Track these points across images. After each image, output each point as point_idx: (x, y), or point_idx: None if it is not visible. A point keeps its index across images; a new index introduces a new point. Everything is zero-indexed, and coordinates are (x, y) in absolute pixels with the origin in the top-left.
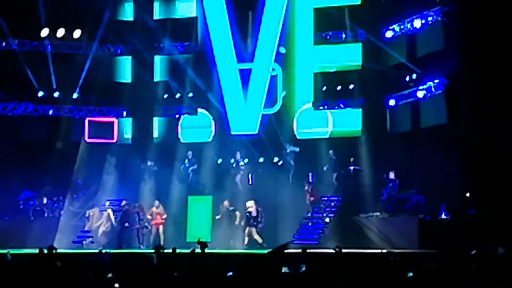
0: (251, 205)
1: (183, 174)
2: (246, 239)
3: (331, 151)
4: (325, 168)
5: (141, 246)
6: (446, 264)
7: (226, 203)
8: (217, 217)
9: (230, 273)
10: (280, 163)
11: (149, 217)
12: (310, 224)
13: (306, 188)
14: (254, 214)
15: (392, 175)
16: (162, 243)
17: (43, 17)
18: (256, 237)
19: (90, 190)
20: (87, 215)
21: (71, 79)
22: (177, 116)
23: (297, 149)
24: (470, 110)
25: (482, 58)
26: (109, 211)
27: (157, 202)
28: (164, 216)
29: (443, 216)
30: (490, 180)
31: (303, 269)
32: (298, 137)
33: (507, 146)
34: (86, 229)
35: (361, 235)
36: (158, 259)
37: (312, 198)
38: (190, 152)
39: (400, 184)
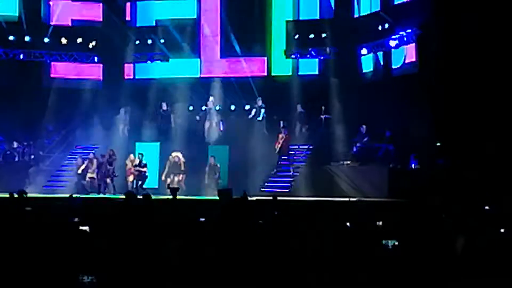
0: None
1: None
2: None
3: (299, 105)
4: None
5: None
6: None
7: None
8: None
9: (202, 219)
10: (249, 109)
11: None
12: (274, 172)
13: (281, 136)
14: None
15: (364, 130)
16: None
17: None
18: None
19: (61, 135)
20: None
21: (42, 24)
22: (148, 62)
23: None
24: (441, 60)
25: (454, 8)
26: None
27: (132, 156)
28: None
29: (412, 165)
30: (460, 130)
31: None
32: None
33: (477, 96)
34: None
35: (332, 184)
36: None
37: (282, 146)
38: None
39: (371, 137)
